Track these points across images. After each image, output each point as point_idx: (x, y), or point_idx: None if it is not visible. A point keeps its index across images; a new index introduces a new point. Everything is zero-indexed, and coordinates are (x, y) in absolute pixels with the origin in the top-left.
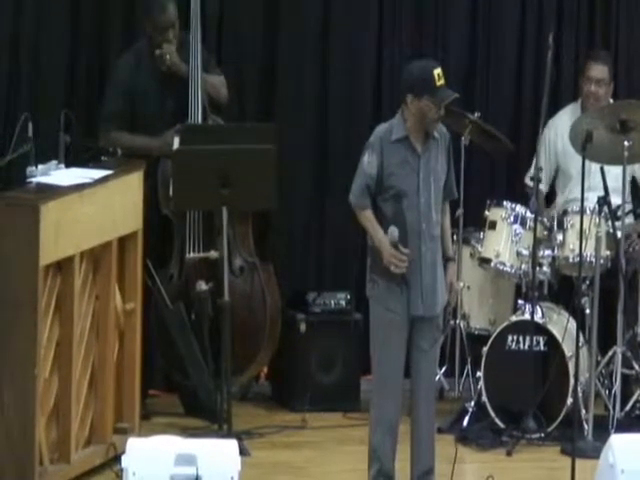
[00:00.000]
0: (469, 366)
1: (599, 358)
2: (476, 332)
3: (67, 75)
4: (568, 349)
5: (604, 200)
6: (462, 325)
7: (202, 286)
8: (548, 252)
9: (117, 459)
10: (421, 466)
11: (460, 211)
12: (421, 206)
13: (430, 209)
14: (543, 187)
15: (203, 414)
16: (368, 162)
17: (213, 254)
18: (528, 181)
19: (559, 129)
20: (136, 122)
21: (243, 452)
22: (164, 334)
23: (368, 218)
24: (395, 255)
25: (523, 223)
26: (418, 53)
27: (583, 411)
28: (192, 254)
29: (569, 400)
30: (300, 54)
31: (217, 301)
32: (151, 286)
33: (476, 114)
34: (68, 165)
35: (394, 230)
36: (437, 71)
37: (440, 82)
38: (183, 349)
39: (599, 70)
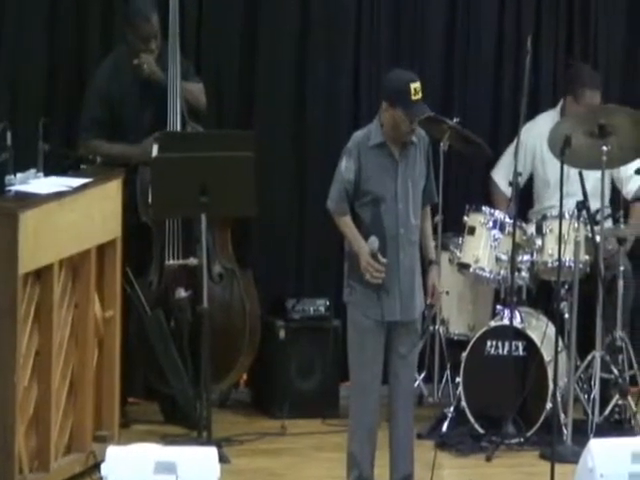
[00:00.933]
0: (448, 372)
1: (578, 363)
2: (455, 337)
3: (46, 83)
4: (547, 354)
5: (583, 205)
6: (441, 330)
7: (181, 293)
8: (527, 257)
9: (97, 467)
10: (400, 472)
11: (439, 217)
12: (399, 211)
13: (408, 214)
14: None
15: (183, 421)
16: (346, 167)
17: (192, 261)
18: (496, 178)
19: (537, 135)
20: (115, 130)
21: (223, 459)
22: (143, 341)
23: (347, 224)
24: (373, 265)
25: (502, 228)
26: (396, 58)
27: (562, 416)
28: (171, 261)
29: (548, 405)
30: (278, 62)
31: (196, 308)
32: (130, 293)
33: (455, 120)
34: (47, 173)
35: (374, 240)
36: (414, 85)
37: (416, 97)
38: (162, 356)
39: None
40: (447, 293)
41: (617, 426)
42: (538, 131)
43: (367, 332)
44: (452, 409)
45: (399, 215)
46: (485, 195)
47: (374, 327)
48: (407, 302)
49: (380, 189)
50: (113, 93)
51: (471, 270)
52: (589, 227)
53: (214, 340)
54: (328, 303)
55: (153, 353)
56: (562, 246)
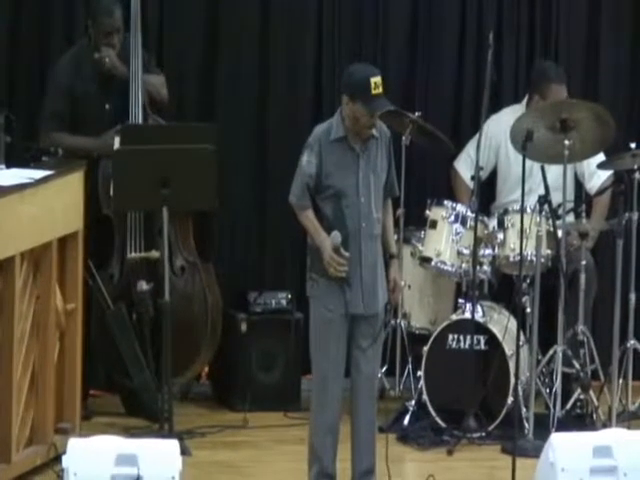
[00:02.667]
0: (410, 365)
1: (539, 357)
2: (417, 331)
3: (7, 75)
4: (508, 348)
5: (544, 199)
6: (403, 324)
7: (143, 286)
8: (489, 251)
9: (58, 459)
10: (362, 465)
11: (401, 210)
12: (361, 205)
13: (370, 208)
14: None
15: (144, 414)
16: (307, 162)
17: (154, 254)
18: (459, 167)
19: (502, 129)
20: (76, 123)
21: (184, 452)
22: (105, 334)
23: (309, 218)
24: (335, 259)
25: (464, 222)
26: (358, 52)
27: (524, 410)
28: (133, 254)
29: (510, 399)
30: (240, 54)
31: (158, 301)
32: (92, 286)
33: (416, 114)
34: (9, 165)
35: (337, 235)
36: (375, 79)
37: (376, 91)
38: (124, 349)
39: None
40: (409, 287)
41: (579, 420)
42: (503, 125)
43: (330, 326)
44: (414, 403)
45: (361, 209)
46: (447, 189)
47: (337, 320)
48: (370, 295)
49: (342, 183)
50: (74, 86)
51: (433, 264)
52: (551, 221)
53: (176, 333)
54: (290, 296)
55: (114, 346)
56: (524, 240)
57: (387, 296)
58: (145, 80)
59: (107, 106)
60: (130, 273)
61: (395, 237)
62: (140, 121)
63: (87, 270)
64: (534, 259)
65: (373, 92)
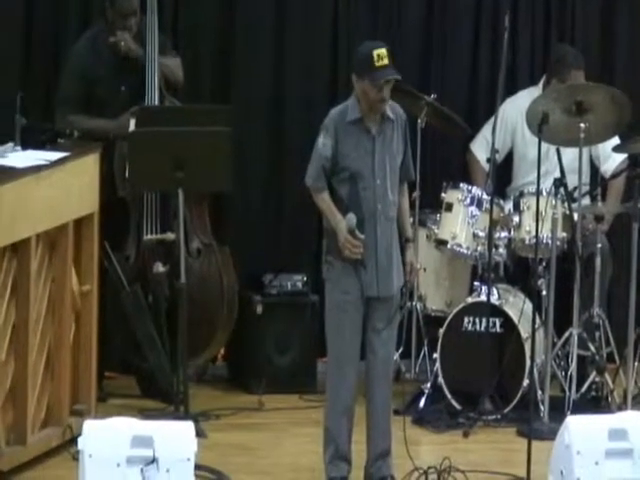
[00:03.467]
0: (425, 348)
1: (555, 340)
2: (432, 314)
3: (23, 57)
4: (524, 331)
5: (560, 182)
6: (418, 307)
7: (159, 268)
8: (504, 234)
9: (74, 441)
10: (377, 448)
11: (416, 193)
12: (376, 188)
13: (386, 190)
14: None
15: (160, 396)
16: (323, 144)
17: (170, 236)
18: (475, 149)
19: (518, 112)
20: (92, 105)
21: (199, 434)
22: (120, 316)
23: (325, 201)
24: (350, 241)
25: (479, 205)
26: (373, 35)
27: (539, 392)
28: (149, 236)
29: (525, 381)
30: (255, 36)
31: (174, 283)
32: (108, 268)
33: (432, 96)
34: (24, 147)
35: (352, 217)
36: (378, 51)
37: (380, 62)
38: (140, 331)
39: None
40: (424, 269)
41: (594, 403)
42: (519, 107)
43: (345, 308)
44: (429, 385)
45: (376, 191)
46: (463, 172)
47: (352, 303)
48: (385, 278)
49: (357, 165)
50: (90, 69)
51: (448, 246)
52: (566, 204)
53: (191, 315)
54: (305, 278)
55: (130, 328)
56: (539, 223)
57: (402, 279)
58: (161, 62)
59: (123, 88)
60: (146, 255)
61: (411, 220)
62: (156, 103)
63: (103, 252)
64: (550, 242)
65: (377, 64)
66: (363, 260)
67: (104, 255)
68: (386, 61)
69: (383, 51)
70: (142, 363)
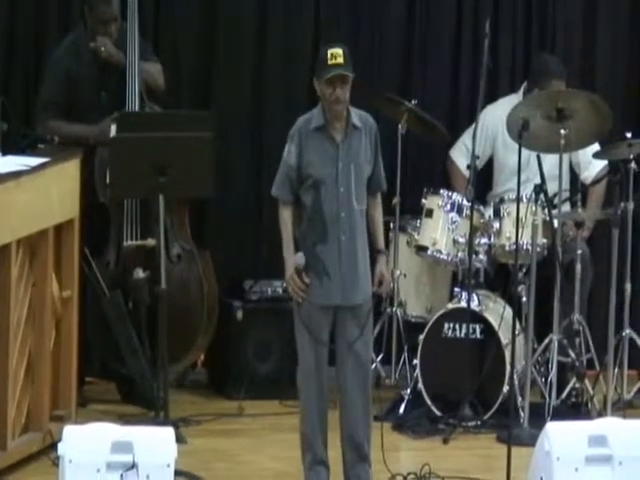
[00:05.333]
0: (405, 354)
1: (535, 346)
2: (413, 320)
3: (3, 62)
4: (504, 337)
5: (540, 188)
6: (399, 313)
7: (139, 274)
8: (484, 240)
9: (54, 446)
10: (352, 455)
11: (397, 199)
12: (340, 195)
13: (350, 199)
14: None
15: (140, 401)
16: (288, 152)
17: (150, 242)
18: (455, 156)
19: (499, 119)
20: (73, 110)
21: (179, 439)
22: (100, 322)
23: (285, 222)
24: (295, 281)
25: (460, 211)
26: (355, 39)
27: (519, 399)
28: (129, 242)
29: (505, 388)
30: (237, 41)
31: (154, 289)
32: (88, 274)
33: (413, 102)
34: (5, 153)
35: (301, 257)
36: (332, 51)
37: (333, 61)
38: (120, 337)
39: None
40: (404, 275)
41: (574, 409)
42: (499, 115)
43: (310, 316)
44: (409, 391)
45: (340, 199)
46: (443, 178)
47: (317, 311)
48: (349, 287)
49: (320, 172)
50: (70, 74)
51: (429, 252)
52: (547, 210)
53: (172, 321)
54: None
55: (110, 333)
56: (520, 229)
57: (371, 288)
58: (142, 68)
59: (103, 93)
60: (126, 261)
61: (390, 226)
62: (137, 109)
63: (83, 258)
64: (530, 248)
65: (329, 62)
66: (326, 268)
67: (84, 261)
68: (340, 60)
69: (338, 50)
70: (122, 369)
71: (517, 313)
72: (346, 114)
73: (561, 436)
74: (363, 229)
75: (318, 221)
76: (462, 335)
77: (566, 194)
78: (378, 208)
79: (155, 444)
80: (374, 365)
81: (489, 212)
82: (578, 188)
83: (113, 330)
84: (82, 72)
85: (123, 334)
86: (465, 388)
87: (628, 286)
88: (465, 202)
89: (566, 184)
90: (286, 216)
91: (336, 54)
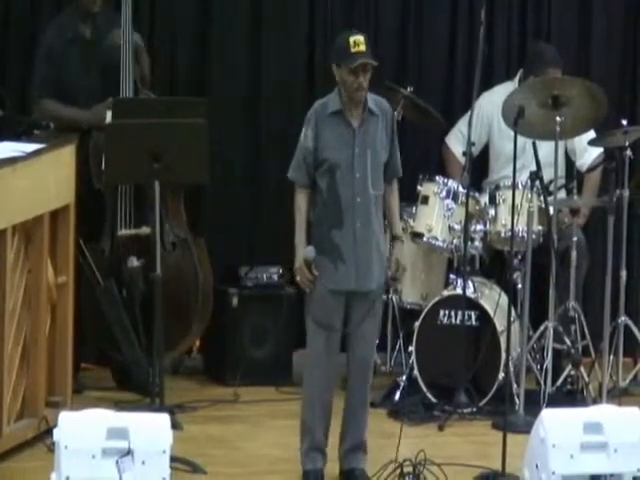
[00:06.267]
0: (401, 340)
1: (531, 333)
2: (408, 306)
3: None
4: (500, 324)
5: (536, 175)
6: (394, 299)
7: (134, 262)
8: (480, 227)
9: (49, 432)
10: (352, 440)
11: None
12: (356, 180)
13: (366, 184)
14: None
15: (135, 388)
16: (304, 135)
17: (145, 230)
18: (450, 143)
19: (495, 106)
20: (63, 92)
21: (175, 426)
22: (95, 308)
23: (299, 205)
24: (304, 271)
25: (455, 198)
26: (350, 27)
27: (514, 386)
28: (123, 231)
29: (501, 375)
30: (232, 28)
31: (149, 275)
32: (82, 263)
33: (409, 89)
34: (0, 139)
35: (311, 250)
36: (354, 38)
37: (355, 49)
38: (114, 325)
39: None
40: None
41: (569, 396)
42: (495, 102)
43: (323, 300)
44: (404, 378)
45: (355, 184)
46: (439, 165)
47: (329, 295)
48: (363, 272)
49: (336, 157)
50: (57, 52)
51: (424, 239)
52: (542, 197)
53: (167, 309)
54: (281, 271)
55: (104, 320)
56: (515, 216)
57: (384, 276)
58: (142, 56)
59: (91, 76)
60: (120, 249)
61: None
62: (131, 95)
63: (77, 247)
64: (525, 235)
65: (352, 50)
66: (341, 253)
67: (78, 250)
68: (362, 47)
69: (360, 38)
70: (117, 356)
71: (512, 300)
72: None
73: (556, 423)
74: (379, 215)
75: (333, 206)
76: (457, 322)
77: (562, 181)
78: (394, 194)
79: (151, 430)
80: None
81: (485, 199)
82: (574, 175)
83: (107, 318)
84: (67, 53)
85: (117, 322)
86: (460, 375)
87: (623, 273)
88: (461, 189)
89: (562, 171)
90: (301, 200)
91: (359, 41)
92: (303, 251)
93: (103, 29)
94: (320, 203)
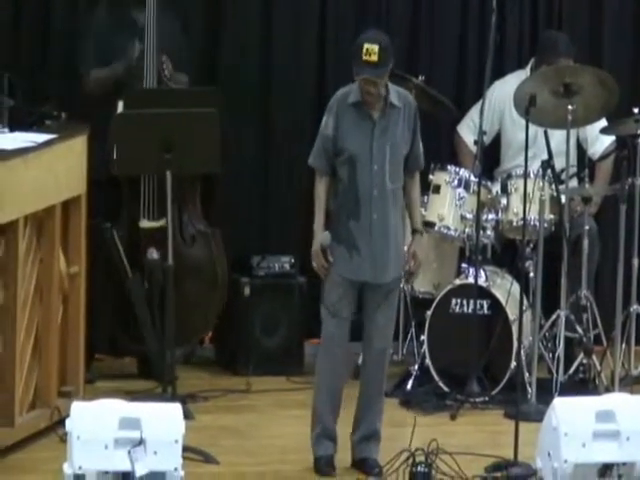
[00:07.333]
0: (413, 330)
1: (542, 322)
2: (420, 296)
3: (10, 38)
4: (512, 312)
5: (548, 164)
6: (406, 289)
7: (154, 254)
8: (492, 216)
9: (61, 423)
10: (365, 430)
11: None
12: (374, 172)
13: (384, 177)
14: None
15: (157, 377)
16: (325, 123)
17: (165, 222)
18: (462, 132)
19: (507, 95)
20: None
21: (187, 415)
22: (107, 299)
23: (318, 192)
24: (319, 257)
25: (467, 187)
26: (362, 17)
27: (526, 374)
28: (146, 222)
29: (513, 363)
30: (244, 19)
31: (163, 266)
32: (115, 255)
33: (420, 78)
34: (12, 129)
35: (327, 237)
36: (368, 46)
37: (367, 57)
38: (141, 317)
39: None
40: None
41: (581, 385)
42: (507, 91)
43: (337, 288)
44: (417, 367)
45: (373, 176)
46: (451, 154)
47: (343, 285)
48: (378, 265)
49: (355, 147)
50: (106, 33)
51: (436, 228)
52: (554, 186)
53: (186, 302)
54: (293, 260)
55: (121, 311)
56: (527, 205)
57: (401, 269)
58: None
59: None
60: (141, 241)
61: (420, 211)
62: (154, 85)
63: (112, 240)
64: (537, 224)
65: (363, 58)
66: (357, 244)
67: (110, 241)
68: (374, 58)
69: (374, 47)
70: (132, 346)
71: (524, 289)
72: (385, 92)
73: (568, 412)
74: (398, 208)
75: (351, 197)
76: (469, 311)
77: (573, 170)
78: (416, 187)
79: (163, 420)
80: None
81: (496, 188)
82: (585, 164)
83: (136, 310)
84: (117, 35)
85: (145, 314)
86: (472, 364)
87: (636, 261)
88: (472, 178)
89: (573, 160)
90: (321, 188)
91: (371, 50)
92: (320, 236)
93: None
94: (339, 192)
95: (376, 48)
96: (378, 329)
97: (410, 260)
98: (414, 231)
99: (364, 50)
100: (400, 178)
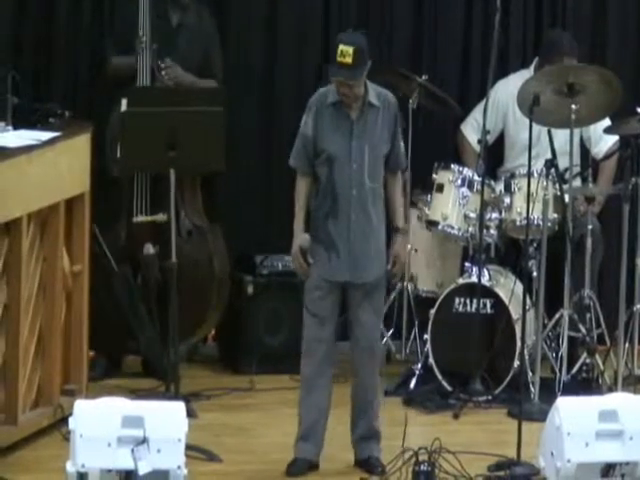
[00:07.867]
0: (416, 329)
1: (546, 321)
2: (423, 294)
3: (14, 37)
4: (515, 312)
5: (551, 163)
6: (409, 288)
7: (149, 249)
8: (495, 215)
9: (64, 421)
10: (360, 430)
11: (407, 174)
12: (353, 172)
13: (363, 177)
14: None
15: (154, 375)
16: (304, 123)
17: (161, 217)
18: (465, 131)
19: (510, 94)
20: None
21: (190, 414)
22: (110, 297)
23: (298, 192)
24: (298, 258)
25: (470, 186)
26: (365, 16)
27: (530, 374)
28: (140, 217)
29: (516, 363)
30: (248, 19)
31: (164, 263)
32: (97, 250)
33: (424, 77)
34: (16, 127)
35: (306, 239)
36: (342, 47)
37: (340, 59)
38: (130, 313)
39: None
40: (415, 250)
41: (584, 384)
42: (511, 90)
43: (315, 288)
44: (420, 366)
45: (352, 176)
46: (454, 152)
47: (324, 284)
48: (358, 264)
49: (333, 148)
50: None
51: (439, 227)
52: (558, 185)
53: (183, 297)
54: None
55: (119, 310)
56: (530, 204)
57: (384, 268)
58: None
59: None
60: (136, 236)
61: (402, 210)
62: (148, 83)
63: (92, 234)
64: (541, 223)
65: (337, 59)
66: (335, 244)
67: (94, 238)
68: (348, 60)
69: (348, 49)
70: (131, 343)
71: (528, 288)
72: (363, 92)
73: (572, 411)
74: (377, 208)
75: (330, 196)
76: (473, 310)
77: (577, 169)
78: (397, 186)
79: (166, 419)
80: (384, 340)
81: (500, 187)
82: (589, 163)
83: (122, 305)
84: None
85: (131, 309)
86: (476, 363)
87: (639, 261)
88: (476, 177)
89: (577, 159)
90: (301, 187)
91: (345, 52)
92: (299, 238)
93: (190, 22)
94: (318, 192)
95: (350, 50)
96: (363, 328)
97: (393, 261)
98: (395, 230)
99: (338, 51)
100: (380, 177)
